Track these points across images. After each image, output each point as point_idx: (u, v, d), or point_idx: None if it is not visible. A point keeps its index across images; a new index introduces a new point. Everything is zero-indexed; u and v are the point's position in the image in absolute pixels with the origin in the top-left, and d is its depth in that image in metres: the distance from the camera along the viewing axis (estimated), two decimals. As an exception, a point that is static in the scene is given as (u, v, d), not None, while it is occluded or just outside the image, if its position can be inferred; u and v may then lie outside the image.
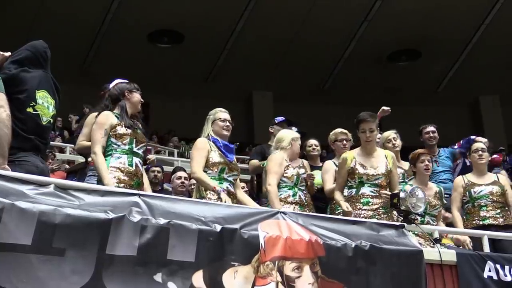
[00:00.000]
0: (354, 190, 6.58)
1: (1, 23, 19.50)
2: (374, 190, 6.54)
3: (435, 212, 7.04)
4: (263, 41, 21.91)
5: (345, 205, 6.42)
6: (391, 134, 7.78)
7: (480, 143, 7.65)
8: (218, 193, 6.05)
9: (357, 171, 6.59)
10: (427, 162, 7.19)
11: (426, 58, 23.42)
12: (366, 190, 6.53)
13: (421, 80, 24.45)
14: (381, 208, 6.46)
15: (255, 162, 8.27)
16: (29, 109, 5.46)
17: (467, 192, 7.31)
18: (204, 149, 6.35)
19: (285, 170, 6.96)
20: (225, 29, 21.75)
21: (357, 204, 6.51)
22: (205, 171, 6.26)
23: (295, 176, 6.98)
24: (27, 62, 5.62)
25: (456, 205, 7.35)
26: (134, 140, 5.98)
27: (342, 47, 23.04)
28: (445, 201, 7.24)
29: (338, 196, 6.68)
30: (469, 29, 22.34)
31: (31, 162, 5.27)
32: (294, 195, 6.94)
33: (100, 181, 5.72)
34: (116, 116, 6.03)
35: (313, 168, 7.63)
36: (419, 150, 7.40)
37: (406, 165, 7.62)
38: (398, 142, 7.73)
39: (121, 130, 5.95)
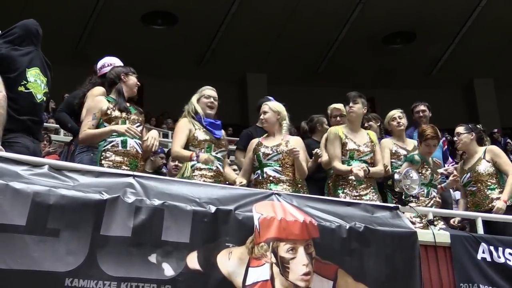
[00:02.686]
0: (345, 164, 6.62)
1: (-6, 5, 19.39)
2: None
3: (437, 182, 7.05)
4: (257, 23, 21.84)
5: (356, 169, 6.38)
6: (396, 112, 7.65)
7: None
8: (197, 157, 6.03)
9: (347, 146, 6.62)
10: (398, 120, 7.44)
11: (421, 41, 23.40)
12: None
13: (415, 63, 24.46)
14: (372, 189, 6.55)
15: (240, 157, 7.88)
16: (21, 88, 5.44)
17: None
18: (184, 128, 6.25)
19: None
20: (219, 11, 21.67)
21: (349, 181, 6.54)
22: (192, 151, 6.22)
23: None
24: (18, 41, 5.60)
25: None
26: (127, 122, 5.91)
27: (337, 29, 22.99)
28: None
29: (339, 165, 6.61)
30: (464, 11, 22.32)
31: (22, 143, 5.26)
32: None
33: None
34: (108, 100, 5.99)
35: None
36: (426, 132, 7.24)
37: (410, 144, 7.55)
38: (404, 121, 7.60)
39: (114, 113, 5.90)
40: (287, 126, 6.60)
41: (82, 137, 5.88)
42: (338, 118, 7.64)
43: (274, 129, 6.55)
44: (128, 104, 6.09)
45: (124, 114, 5.94)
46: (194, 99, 6.48)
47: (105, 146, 5.77)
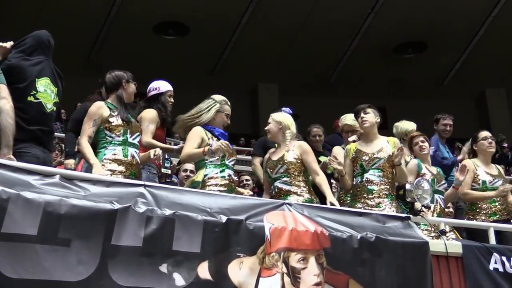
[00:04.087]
0: (359, 178, 6.53)
1: (7, 15, 19.53)
2: (379, 175, 6.43)
3: (441, 187, 6.98)
4: (269, 33, 21.88)
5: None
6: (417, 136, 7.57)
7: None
8: (211, 148, 6.02)
9: (357, 158, 6.53)
10: (420, 144, 7.15)
11: (433, 51, 23.36)
12: (370, 176, 6.48)
13: (427, 73, 24.40)
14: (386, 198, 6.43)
15: (255, 161, 8.08)
16: (30, 98, 5.45)
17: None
18: (198, 136, 6.20)
19: None
20: (231, 21, 21.73)
21: (364, 194, 6.43)
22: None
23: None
24: (29, 51, 5.62)
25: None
26: (128, 130, 5.85)
27: (348, 39, 22.99)
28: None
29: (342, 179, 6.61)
30: (475, 21, 22.27)
31: (31, 153, 5.27)
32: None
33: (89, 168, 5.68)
34: (108, 107, 5.88)
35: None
36: (411, 134, 7.37)
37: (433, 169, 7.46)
38: (426, 145, 7.57)
39: (115, 121, 5.82)
40: (290, 135, 6.56)
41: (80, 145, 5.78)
42: (349, 134, 7.64)
43: (278, 139, 6.55)
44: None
45: (124, 122, 5.86)
46: (214, 110, 6.47)
47: (105, 154, 5.72)
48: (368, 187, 6.39)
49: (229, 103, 6.60)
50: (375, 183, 6.39)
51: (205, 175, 6.07)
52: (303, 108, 17.84)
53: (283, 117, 6.65)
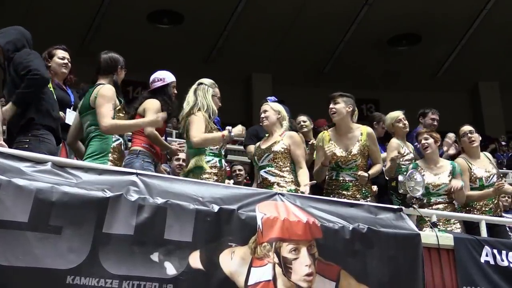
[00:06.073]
0: (334, 173, 6.54)
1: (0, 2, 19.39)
2: (353, 174, 6.49)
3: (441, 191, 6.84)
4: (263, 23, 21.80)
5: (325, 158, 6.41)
6: (400, 114, 7.71)
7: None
8: (230, 133, 6.09)
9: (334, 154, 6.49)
10: (423, 141, 7.04)
11: (426, 43, 23.32)
12: (345, 176, 6.49)
13: (420, 65, 24.37)
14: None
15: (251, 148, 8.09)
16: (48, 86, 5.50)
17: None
18: (204, 121, 6.18)
19: None
20: (225, 10, 21.63)
21: (339, 190, 6.49)
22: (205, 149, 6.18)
23: None
24: (20, 44, 5.59)
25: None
26: (120, 115, 5.86)
27: (343, 30, 22.92)
28: None
29: (316, 169, 6.62)
30: (469, 14, 22.24)
31: (52, 141, 5.30)
32: None
33: None
34: None
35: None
36: (419, 131, 7.40)
37: (409, 147, 7.62)
38: (407, 123, 7.68)
39: (121, 112, 5.84)
40: (287, 125, 6.59)
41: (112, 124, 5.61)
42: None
43: (274, 128, 6.54)
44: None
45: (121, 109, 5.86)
46: (209, 96, 6.39)
47: (112, 145, 5.67)
48: (343, 184, 6.49)
49: (215, 84, 6.58)
50: (350, 182, 6.47)
51: (207, 162, 6.08)
52: (296, 98, 17.80)
53: (280, 107, 6.68)
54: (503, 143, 20.25)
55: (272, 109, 6.58)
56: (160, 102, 6.26)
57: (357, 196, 6.41)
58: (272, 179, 6.27)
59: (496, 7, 21.58)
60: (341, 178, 6.50)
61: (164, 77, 6.57)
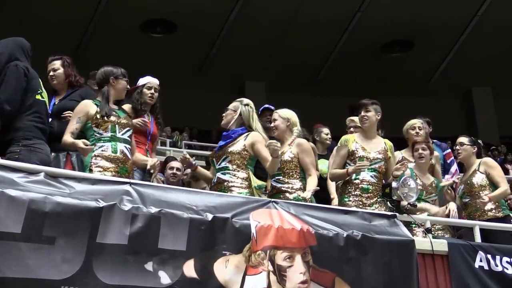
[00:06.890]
0: (353, 174, 6.48)
1: (-7, 10, 19.39)
2: (374, 175, 6.42)
3: (430, 199, 6.95)
4: (256, 31, 21.84)
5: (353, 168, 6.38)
6: (417, 122, 7.77)
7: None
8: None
9: (357, 153, 6.47)
10: (420, 151, 7.11)
11: (419, 49, 23.40)
12: (366, 175, 6.43)
13: (414, 71, 24.45)
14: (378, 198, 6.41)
15: None
16: (38, 96, 5.44)
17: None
18: None
19: None
20: (219, 18, 21.67)
21: (356, 190, 6.41)
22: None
23: None
24: (17, 55, 5.56)
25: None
26: (117, 126, 5.75)
27: (336, 37, 22.99)
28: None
29: (335, 170, 6.61)
30: (462, 20, 22.34)
31: (44, 151, 5.27)
32: None
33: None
34: (96, 104, 5.79)
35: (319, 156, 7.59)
36: (415, 139, 7.42)
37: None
38: (422, 133, 7.67)
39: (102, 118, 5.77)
40: (298, 132, 6.50)
41: (62, 141, 5.70)
42: (352, 129, 7.66)
43: (285, 136, 6.46)
44: (116, 108, 5.91)
45: (113, 118, 5.76)
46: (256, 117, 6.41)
47: (95, 151, 5.61)
48: (361, 185, 6.40)
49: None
50: (370, 182, 6.40)
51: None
52: (290, 106, 17.78)
53: (289, 114, 6.59)
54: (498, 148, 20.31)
55: (280, 117, 6.51)
56: (131, 105, 6.53)
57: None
58: (281, 186, 6.22)
59: (488, 13, 21.69)
60: (361, 178, 6.42)
61: (139, 81, 6.83)
